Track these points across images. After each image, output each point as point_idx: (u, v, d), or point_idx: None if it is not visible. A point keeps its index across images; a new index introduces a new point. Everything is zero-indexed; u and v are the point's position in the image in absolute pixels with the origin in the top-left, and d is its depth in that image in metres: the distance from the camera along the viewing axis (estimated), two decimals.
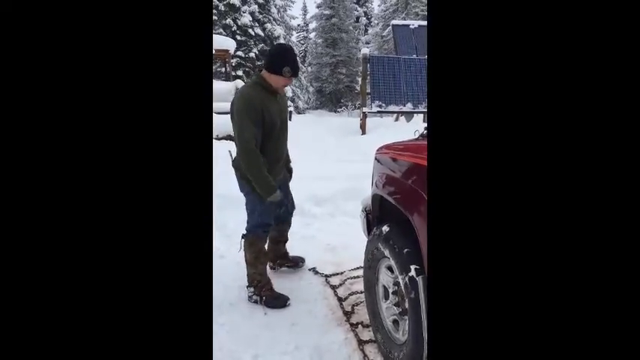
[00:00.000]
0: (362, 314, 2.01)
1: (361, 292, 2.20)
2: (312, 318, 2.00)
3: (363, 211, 2.04)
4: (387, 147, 1.76)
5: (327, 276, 2.42)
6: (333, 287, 2.28)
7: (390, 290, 1.66)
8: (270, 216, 2.08)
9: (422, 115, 8.52)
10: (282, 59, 1.82)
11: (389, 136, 6.86)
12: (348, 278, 2.38)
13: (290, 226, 2.42)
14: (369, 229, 1.93)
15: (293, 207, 2.36)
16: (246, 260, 2.12)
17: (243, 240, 2.09)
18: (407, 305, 1.40)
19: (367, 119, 8.13)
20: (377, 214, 1.86)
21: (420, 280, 1.24)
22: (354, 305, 2.08)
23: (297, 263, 2.53)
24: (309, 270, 2.51)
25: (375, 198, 1.82)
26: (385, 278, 1.69)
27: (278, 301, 2.08)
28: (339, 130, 8.64)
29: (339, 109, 18.43)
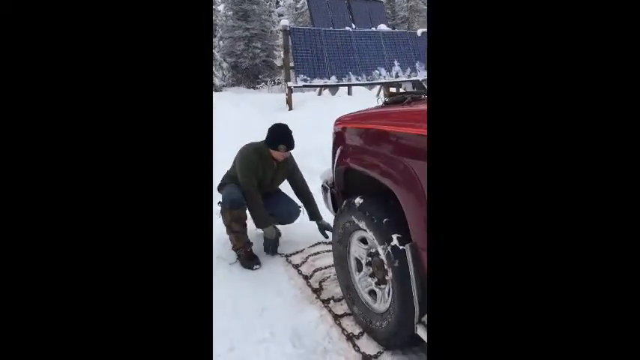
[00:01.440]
0: (331, 289, 2.00)
1: (325, 268, 2.20)
2: (282, 300, 1.93)
3: (324, 186, 1.99)
4: (351, 118, 1.72)
5: (287, 256, 2.36)
6: (296, 266, 2.23)
7: (364, 262, 1.66)
8: (237, 194, 2.26)
9: (346, 87, 8.63)
10: (278, 138, 2.28)
11: (319, 111, 6.82)
12: (309, 256, 2.34)
13: (286, 223, 2.57)
14: (334, 204, 1.89)
15: (291, 215, 2.53)
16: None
17: (220, 207, 2.32)
18: (390, 274, 1.40)
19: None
20: (342, 188, 1.82)
21: (407, 248, 1.24)
22: (320, 282, 2.05)
23: None
24: (267, 253, 2.42)
25: (340, 171, 1.78)
26: (358, 250, 1.68)
27: (248, 263, 2.26)
28: (265, 107, 8.37)
29: (258, 86, 17.77)
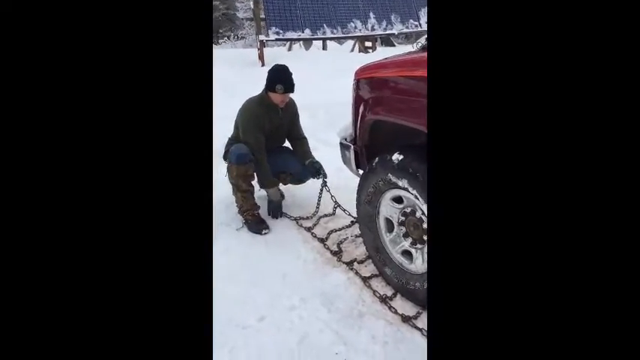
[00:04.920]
0: (351, 251, 1.92)
1: (340, 230, 2.11)
2: (303, 264, 1.84)
3: (343, 143, 1.85)
4: (379, 66, 1.56)
5: (297, 219, 2.23)
6: (308, 229, 2.12)
7: (397, 222, 1.57)
8: (245, 149, 2.10)
9: (321, 41, 8.25)
10: (275, 79, 2.10)
11: (297, 67, 6.47)
12: (320, 217, 2.23)
13: (300, 183, 2.42)
14: (358, 162, 1.76)
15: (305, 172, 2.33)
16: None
17: (227, 166, 2.16)
18: None
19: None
20: (366, 143, 1.69)
21: None
22: (338, 244, 1.97)
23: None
24: (271, 216, 2.30)
25: (365, 125, 1.64)
26: (389, 210, 1.59)
27: (256, 227, 2.13)
28: (235, 64, 7.83)
29: (221, 41, 16.72)
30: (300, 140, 2.37)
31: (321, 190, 2.24)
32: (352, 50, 9.01)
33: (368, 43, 8.59)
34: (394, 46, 10.12)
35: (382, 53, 6.73)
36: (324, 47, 8.61)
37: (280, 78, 2.10)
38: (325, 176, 2.25)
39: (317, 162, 2.28)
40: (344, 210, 2.18)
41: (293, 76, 2.14)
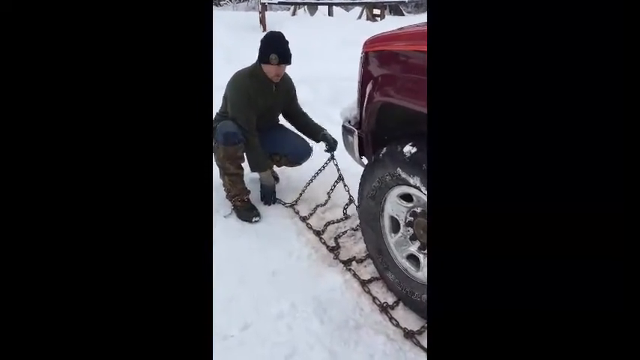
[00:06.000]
0: (349, 247, 1.73)
1: (338, 222, 1.91)
2: (295, 261, 1.65)
3: (346, 127, 1.61)
4: (394, 37, 1.30)
5: (291, 206, 2.03)
6: (304, 219, 1.92)
7: (403, 222, 1.37)
8: (233, 127, 1.87)
9: (326, 7, 7.76)
10: (269, 48, 1.84)
11: (300, 34, 6.12)
12: (318, 206, 2.02)
13: (295, 164, 2.21)
14: (362, 150, 1.53)
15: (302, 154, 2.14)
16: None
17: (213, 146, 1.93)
18: None
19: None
20: (373, 129, 1.46)
21: None
22: (336, 238, 1.77)
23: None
24: (264, 202, 2.09)
25: (372, 108, 1.40)
26: (395, 208, 1.37)
27: (246, 214, 1.93)
28: (235, 28, 7.39)
29: (222, 2, 15.95)
30: (301, 115, 2.15)
31: (325, 164, 2.07)
32: (359, 17, 8.51)
33: (376, 11, 8.10)
34: (403, 15, 9.57)
35: (391, 22, 6.32)
36: (330, 13, 8.11)
37: (275, 46, 1.84)
38: (335, 145, 2.03)
39: (331, 138, 2.07)
40: (353, 202, 1.95)
41: (289, 45, 1.87)
